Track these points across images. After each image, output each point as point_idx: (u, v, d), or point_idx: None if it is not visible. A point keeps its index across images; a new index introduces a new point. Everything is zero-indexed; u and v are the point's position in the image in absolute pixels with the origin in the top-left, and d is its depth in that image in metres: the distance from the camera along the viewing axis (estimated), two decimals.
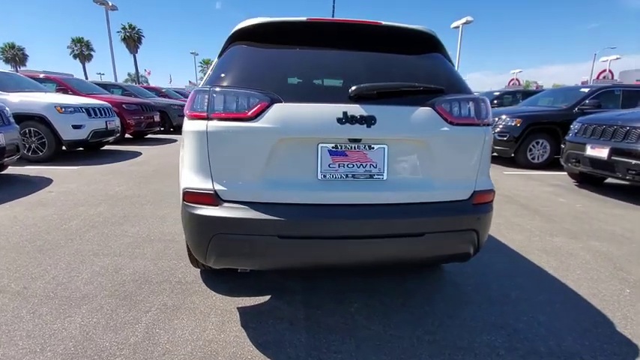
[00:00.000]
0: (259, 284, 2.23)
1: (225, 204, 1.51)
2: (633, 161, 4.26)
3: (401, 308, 2.03)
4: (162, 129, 9.72)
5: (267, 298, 2.11)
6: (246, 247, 1.52)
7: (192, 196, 1.55)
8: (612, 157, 4.46)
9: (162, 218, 3.40)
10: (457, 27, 18.98)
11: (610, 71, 32.54)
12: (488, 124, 1.66)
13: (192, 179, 1.57)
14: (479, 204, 1.67)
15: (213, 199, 1.52)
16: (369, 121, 1.48)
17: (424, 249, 1.62)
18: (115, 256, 2.57)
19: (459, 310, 2.03)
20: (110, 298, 2.04)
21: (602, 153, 4.58)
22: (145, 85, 13.53)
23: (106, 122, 6.41)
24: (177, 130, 11.27)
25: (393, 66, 1.72)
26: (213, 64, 1.87)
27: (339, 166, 1.53)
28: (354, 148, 1.53)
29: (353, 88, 1.50)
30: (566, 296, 2.22)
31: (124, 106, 7.87)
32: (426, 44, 1.82)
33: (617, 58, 35.14)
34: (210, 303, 2.03)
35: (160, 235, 2.98)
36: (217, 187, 1.52)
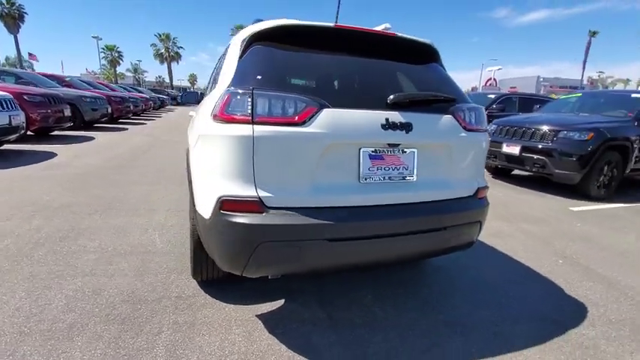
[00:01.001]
0: (264, 289, 2.18)
1: (272, 211, 1.48)
2: (536, 156, 5.26)
3: (405, 296, 2.23)
4: (72, 124, 8.36)
5: (280, 302, 2.09)
6: (294, 253, 1.52)
7: (232, 204, 1.48)
8: (522, 154, 5.42)
9: (123, 229, 3.02)
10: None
11: (495, 79, 38.68)
12: (487, 131, 1.94)
13: (229, 186, 1.49)
14: (481, 198, 1.94)
15: (258, 206, 1.47)
16: (407, 127, 1.61)
17: (444, 241, 1.82)
18: (87, 276, 2.23)
19: (450, 290, 2.32)
20: (105, 324, 1.79)
21: (515, 150, 5.52)
22: (42, 73, 11.38)
23: (10, 117, 5.29)
24: (89, 126, 9.83)
25: (409, 75, 1.88)
26: (230, 63, 1.77)
27: (377, 169, 1.63)
28: (391, 152, 1.64)
29: (391, 96, 1.61)
30: (525, 272, 2.70)
31: (25, 97, 6.54)
32: (430, 55, 2.02)
33: (500, 69, 41.93)
34: (226, 315, 1.93)
35: (130, 248, 2.66)
36: (262, 193, 1.48)
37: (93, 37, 37.69)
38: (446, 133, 1.74)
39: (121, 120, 13.04)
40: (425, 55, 1.99)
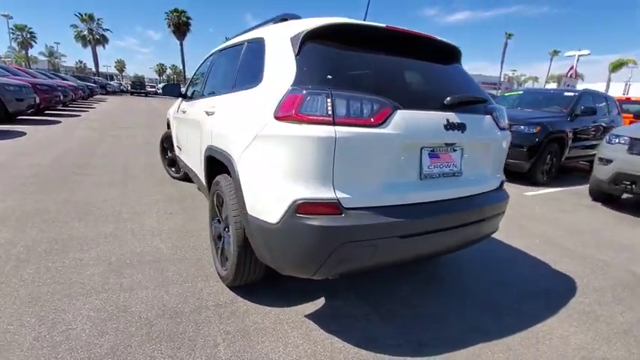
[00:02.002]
0: (300, 289, 2.16)
1: (350, 212, 1.48)
2: None
3: (433, 286, 2.38)
4: None
5: (321, 301, 2.10)
6: (370, 251, 1.54)
7: (310, 207, 1.45)
8: None
9: (115, 236, 2.73)
10: None
11: None
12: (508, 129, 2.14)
13: (306, 189, 1.46)
14: (503, 191, 2.14)
15: (337, 208, 1.47)
16: (462, 127, 1.71)
17: (482, 231, 1.98)
18: (101, 293, 1.99)
19: (465, 278, 2.54)
20: (152, 344, 1.64)
21: None
22: None
23: None
24: (11, 118, 8.44)
25: (446, 76, 1.98)
26: (279, 60, 1.70)
27: (434, 167, 1.71)
28: (445, 150, 1.74)
29: (448, 98, 1.69)
30: (514, 252, 3.04)
31: None
32: (456, 57, 2.14)
33: None
34: (274, 319, 1.89)
35: (135, 257, 2.42)
36: (339, 195, 1.47)
37: (2, 15, 31.84)
38: (487, 132, 1.89)
39: (47, 112, 11.40)
40: (454, 57, 2.11)
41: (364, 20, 2.02)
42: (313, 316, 1.93)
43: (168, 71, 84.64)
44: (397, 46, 1.84)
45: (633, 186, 4.18)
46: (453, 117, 1.70)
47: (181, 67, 50.09)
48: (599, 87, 27.43)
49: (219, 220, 2.28)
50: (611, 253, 3.12)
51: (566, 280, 2.60)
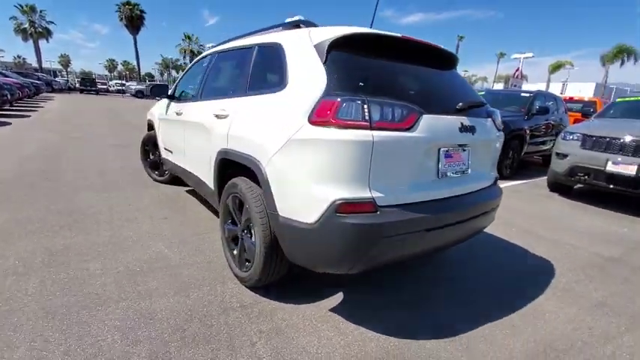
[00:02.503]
0: (316, 286, 2.25)
1: (384, 209, 1.60)
2: None
3: (435, 274, 2.58)
4: None
5: (339, 295, 2.19)
6: (400, 245, 1.67)
7: (349, 207, 1.55)
8: None
9: (115, 244, 2.63)
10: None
11: None
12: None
13: (346, 189, 1.56)
14: (498, 186, 2.38)
15: (373, 206, 1.58)
16: (473, 129, 1.90)
17: (483, 223, 2.19)
18: (120, 302, 1.94)
19: (463, 267, 2.77)
20: (191, 348, 1.65)
21: None
22: None
23: None
24: None
25: (449, 81, 2.16)
26: (305, 66, 1.77)
27: (448, 166, 1.88)
28: (457, 150, 1.91)
29: (461, 103, 1.87)
30: (495, 241, 3.34)
31: None
32: (454, 64, 2.33)
33: None
34: (302, 315, 1.97)
35: (144, 265, 2.37)
36: (374, 194, 1.58)
37: None
38: (490, 133, 2.10)
39: None
40: (453, 63, 2.29)
41: (370, 28, 2.14)
42: (337, 310, 2.03)
43: (120, 67, 79.48)
44: (410, 54, 1.98)
45: (587, 177, 4.73)
46: (466, 120, 1.88)
47: (135, 63, 47.22)
48: (541, 87, 30.04)
49: (233, 223, 2.30)
50: (575, 238, 3.54)
51: (545, 262, 2.92)
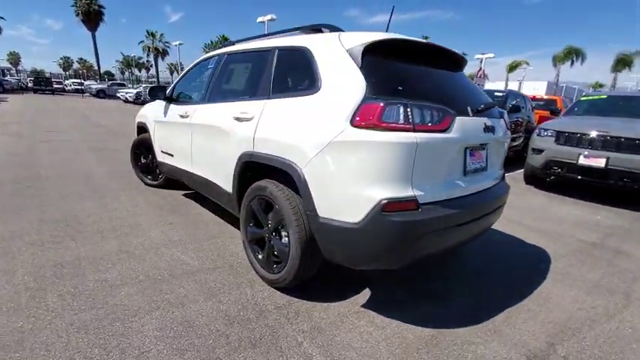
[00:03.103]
0: (335, 284, 2.31)
1: (424, 207, 1.69)
2: None
3: (445, 267, 2.72)
4: None
5: (367, 292, 2.26)
6: (436, 240, 1.77)
7: (394, 205, 1.62)
8: None
9: (128, 252, 2.54)
10: (263, 22, 20.30)
11: None
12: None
13: (391, 189, 1.62)
14: (506, 182, 2.55)
15: (416, 204, 1.66)
16: (493, 129, 2.03)
17: (496, 218, 2.34)
18: (153, 311, 1.90)
19: (470, 258, 2.94)
20: (239, 352, 1.65)
21: None
22: None
23: None
24: None
25: (463, 83, 2.28)
26: (340, 70, 1.82)
27: (472, 164, 2.00)
28: (479, 149, 2.04)
29: (482, 105, 1.99)
30: (491, 233, 3.56)
31: None
32: (464, 67, 2.47)
33: None
34: (337, 312, 2.02)
35: (165, 272, 2.31)
36: (416, 192, 1.67)
37: None
38: (503, 132, 2.26)
39: None
40: (462, 66, 2.43)
41: (386, 32, 2.22)
42: (368, 306, 2.10)
43: (76, 65, 74.58)
44: (431, 58, 2.08)
45: (561, 170, 5.12)
46: (488, 121, 2.01)
47: (93, 61, 44.55)
48: (500, 85, 31.82)
49: (256, 225, 2.29)
50: (559, 226, 3.84)
51: (540, 250, 3.16)
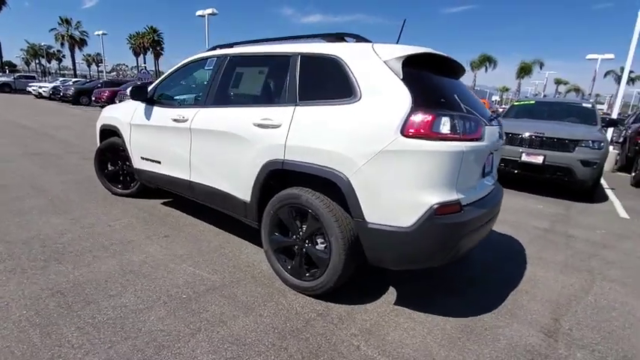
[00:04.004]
0: (366, 289, 2.41)
1: (464, 209, 1.85)
2: None
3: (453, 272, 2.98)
4: None
5: (393, 293, 2.37)
6: (471, 239, 1.96)
7: (444, 209, 1.76)
8: None
9: (134, 272, 2.30)
10: (203, 15, 19.18)
11: None
12: None
13: (441, 194, 1.76)
14: (499, 185, 2.87)
15: (460, 207, 1.82)
16: (502, 136, 2.28)
17: (496, 218, 2.64)
18: (196, 334, 1.77)
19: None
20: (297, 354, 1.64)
21: None
22: None
23: None
24: None
25: (469, 92, 2.52)
26: (381, 80, 1.89)
27: (487, 168, 2.24)
28: (490, 154, 2.28)
29: (492, 114, 2.23)
30: None
31: None
32: (462, 74, 2.72)
33: None
34: (375, 314, 2.10)
35: (187, 290, 2.16)
36: (459, 196, 1.83)
37: None
38: (501, 139, 2.54)
39: None
40: (461, 74, 2.67)
41: (397, 42, 2.36)
42: (401, 303, 2.22)
43: None
44: (447, 69, 2.27)
45: (506, 166, 5.85)
46: (500, 129, 2.27)
47: None
48: None
49: (282, 234, 2.27)
50: (515, 216, 4.40)
51: (511, 239, 3.61)
